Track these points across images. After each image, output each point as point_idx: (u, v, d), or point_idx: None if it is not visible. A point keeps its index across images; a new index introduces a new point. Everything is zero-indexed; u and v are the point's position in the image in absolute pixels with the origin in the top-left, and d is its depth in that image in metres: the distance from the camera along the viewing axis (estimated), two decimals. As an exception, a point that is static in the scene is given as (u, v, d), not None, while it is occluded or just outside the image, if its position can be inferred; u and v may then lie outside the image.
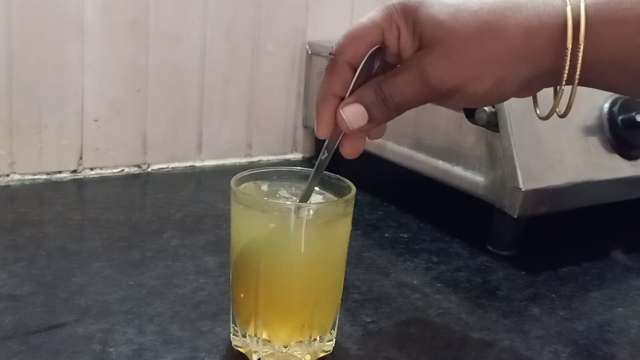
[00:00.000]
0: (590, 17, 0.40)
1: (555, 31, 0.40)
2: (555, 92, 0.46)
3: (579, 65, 0.40)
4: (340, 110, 0.43)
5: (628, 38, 0.40)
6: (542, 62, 0.41)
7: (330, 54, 0.44)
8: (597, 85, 0.43)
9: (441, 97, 0.42)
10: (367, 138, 0.46)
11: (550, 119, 0.47)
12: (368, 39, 0.43)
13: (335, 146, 0.45)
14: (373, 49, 0.43)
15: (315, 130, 0.45)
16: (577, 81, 0.41)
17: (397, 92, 0.42)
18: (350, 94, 0.44)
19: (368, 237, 0.72)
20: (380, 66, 0.44)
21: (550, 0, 0.41)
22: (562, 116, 0.46)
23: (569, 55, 0.40)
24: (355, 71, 0.43)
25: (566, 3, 0.41)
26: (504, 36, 0.40)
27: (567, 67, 0.41)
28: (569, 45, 0.40)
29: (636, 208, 0.80)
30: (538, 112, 0.48)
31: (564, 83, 0.41)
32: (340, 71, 0.44)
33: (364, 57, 0.43)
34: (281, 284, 0.46)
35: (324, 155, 0.46)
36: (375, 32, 0.43)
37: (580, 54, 0.40)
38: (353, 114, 0.43)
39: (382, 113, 0.43)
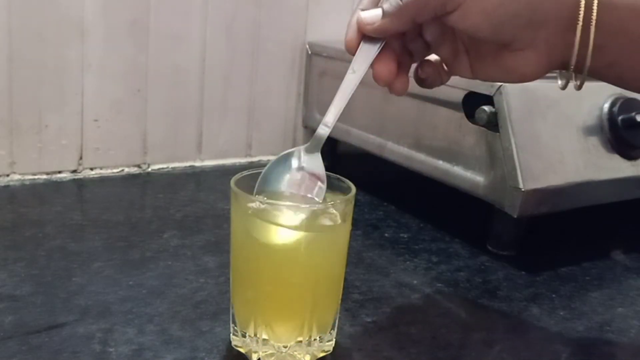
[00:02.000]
0: None
1: None
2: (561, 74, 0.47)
3: (595, 2, 0.41)
4: (360, 12, 0.46)
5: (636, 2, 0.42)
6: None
7: None
8: (604, 58, 0.43)
9: None
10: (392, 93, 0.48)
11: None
12: None
13: (366, 68, 0.46)
14: None
15: (344, 42, 0.47)
16: (594, 22, 0.42)
17: None
18: None
19: (368, 237, 0.72)
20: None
21: None
22: (580, 85, 0.46)
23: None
24: None
25: None
26: None
27: (582, 6, 0.42)
28: None
29: (636, 208, 0.80)
30: (560, 83, 0.48)
31: (580, 19, 0.42)
32: None
33: None
34: (281, 284, 0.46)
35: (352, 72, 0.46)
36: None
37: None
38: (368, 13, 0.45)
39: (394, 7, 0.44)
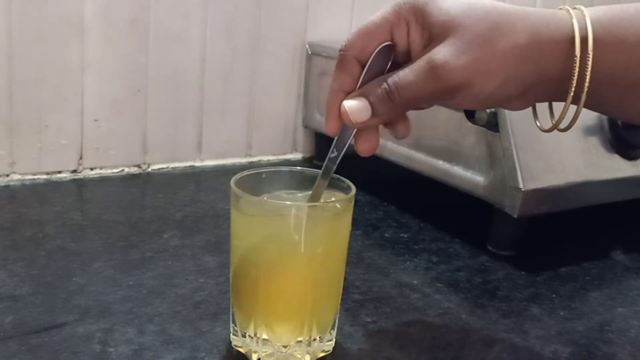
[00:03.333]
0: (594, 31, 0.41)
1: (561, 40, 0.42)
2: (551, 108, 0.47)
3: (588, 73, 0.41)
4: (343, 103, 0.43)
5: (627, 54, 0.41)
6: (548, 67, 0.42)
7: (339, 50, 0.45)
8: (593, 100, 0.43)
9: (448, 92, 0.42)
10: (394, 137, 0.46)
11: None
12: (377, 35, 0.43)
13: (347, 144, 0.45)
14: (382, 45, 0.43)
15: (325, 127, 0.45)
16: (586, 89, 0.42)
17: (403, 85, 0.42)
18: (357, 89, 0.44)
19: (368, 237, 0.72)
20: (391, 67, 0.44)
21: (556, 13, 0.42)
22: (564, 130, 0.46)
23: (577, 63, 0.41)
24: (364, 68, 0.44)
25: (572, 16, 0.42)
26: (512, 37, 0.41)
27: (575, 75, 0.41)
28: (577, 53, 0.41)
29: (636, 208, 0.80)
30: (538, 124, 0.48)
31: (572, 91, 0.42)
32: (349, 67, 0.44)
33: (372, 54, 0.43)
34: (281, 283, 0.46)
35: (332, 153, 0.45)
36: (384, 28, 0.43)
37: (590, 63, 0.41)
38: (356, 107, 0.43)
39: (386, 108, 0.43)
